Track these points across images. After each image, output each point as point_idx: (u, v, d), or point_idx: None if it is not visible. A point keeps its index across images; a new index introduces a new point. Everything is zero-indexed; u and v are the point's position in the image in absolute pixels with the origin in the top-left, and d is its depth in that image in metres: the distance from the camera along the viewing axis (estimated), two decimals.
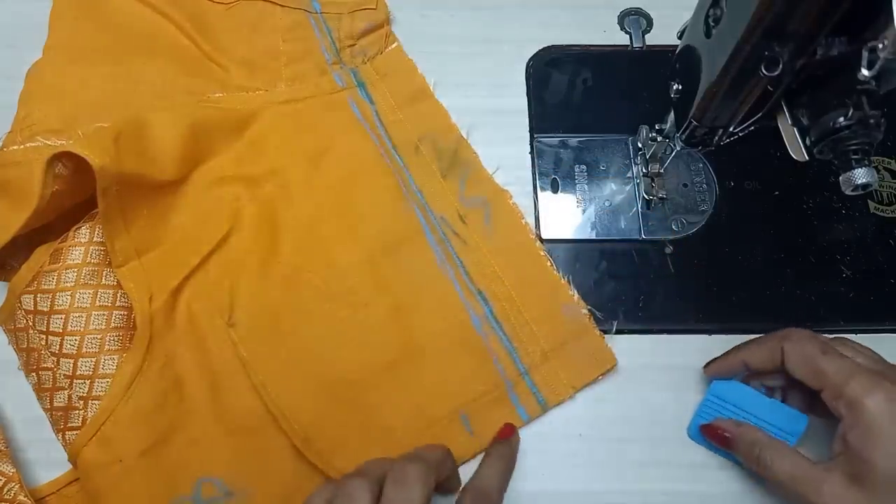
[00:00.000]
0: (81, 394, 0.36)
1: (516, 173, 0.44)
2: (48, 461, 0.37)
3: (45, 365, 0.37)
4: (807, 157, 0.33)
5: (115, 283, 0.38)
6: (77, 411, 0.36)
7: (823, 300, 0.41)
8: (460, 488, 0.34)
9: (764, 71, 0.29)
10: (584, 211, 0.44)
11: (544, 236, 0.43)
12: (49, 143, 0.42)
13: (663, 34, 0.48)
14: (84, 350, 0.37)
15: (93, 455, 0.35)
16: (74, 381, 0.37)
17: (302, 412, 0.37)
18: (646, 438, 0.39)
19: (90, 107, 0.44)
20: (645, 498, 0.38)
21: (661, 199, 0.43)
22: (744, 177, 0.44)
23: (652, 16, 0.49)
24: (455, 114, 0.46)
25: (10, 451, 0.36)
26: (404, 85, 0.46)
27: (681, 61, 0.36)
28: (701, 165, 0.44)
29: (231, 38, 0.47)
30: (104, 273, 0.38)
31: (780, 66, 0.29)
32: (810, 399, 0.34)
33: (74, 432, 0.36)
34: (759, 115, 0.34)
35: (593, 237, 0.43)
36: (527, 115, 0.47)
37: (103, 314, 0.38)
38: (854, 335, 0.41)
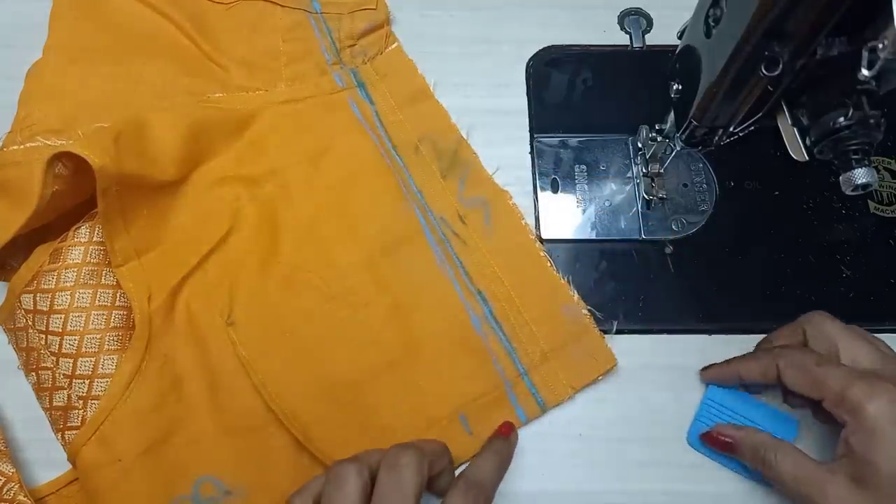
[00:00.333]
0: (81, 393, 0.36)
1: (516, 173, 0.44)
2: (48, 461, 0.37)
3: (45, 364, 0.37)
4: (807, 157, 0.33)
5: (114, 283, 0.38)
6: (76, 411, 0.36)
7: (823, 300, 0.41)
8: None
9: (764, 71, 0.29)
10: (584, 211, 0.44)
11: (544, 236, 0.43)
12: (49, 143, 0.42)
13: (663, 34, 0.48)
14: (83, 350, 0.37)
15: (92, 455, 0.35)
16: (74, 380, 0.37)
17: (301, 412, 0.37)
18: (646, 438, 0.39)
19: (90, 107, 0.44)
20: (645, 498, 0.38)
21: (661, 199, 0.43)
22: (744, 177, 0.44)
23: (652, 16, 0.49)
24: (455, 114, 0.46)
25: (9, 451, 0.36)
26: (404, 85, 0.46)
27: (681, 61, 0.36)
28: (701, 165, 0.44)
29: (231, 38, 0.47)
30: (104, 273, 0.38)
31: (780, 66, 0.29)
32: (813, 403, 0.34)
33: (74, 432, 0.36)
34: (759, 115, 0.34)
35: (593, 237, 0.43)
36: (527, 115, 0.46)
37: (103, 314, 0.38)
38: None
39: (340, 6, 0.47)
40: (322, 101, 0.45)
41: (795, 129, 0.33)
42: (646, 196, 0.43)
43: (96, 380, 0.37)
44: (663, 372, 0.40)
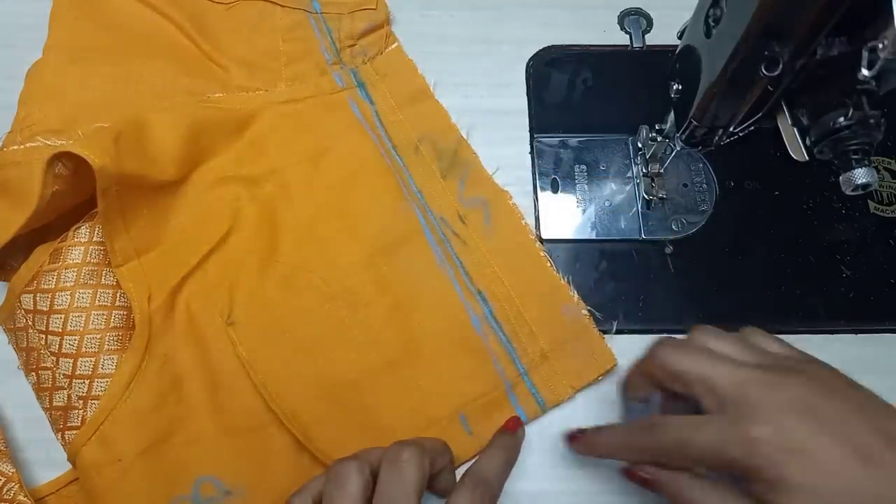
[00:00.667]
0: (81, 393, 0.37)
1: (516, 173, 0.44)
2: (48, 461, 0.37)
3: (45, 364, 0.37)
4: (807, 157, 0.33)
5: (114, 283, 0.38)
6: (76, 411, 0.36)
7: (823, 300, 0.41)
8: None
9: (764, 71, 0.29)
10: (584, 211, 0.44)
11: (544, 236, 0.43)
12: (49, 143, 0.42)
13: (663, 34, 0.48)
14: (83, 350, 0.37)
15: (92, 455, 0.35)
16: (74, 380, 0.37)
17: (301, 412, 0.37)
18: None
19: (90, 107, 0.44)
20: (645, 498, 0.37)
21: (661, 199, 0.43)
22: (744, 177, 0.44)
23: (652, 16, 0.49)
24: (455, 114, 0.46)
25: (10, 451, 0.36)
26: (404, 85, 0.46)
27: (681, 61, 0.36)
28: (701, 165, 0.44)
29: (231, 38, 0.47)
30: (104, 273, 0.38)
31: (780, 66, 0.29)
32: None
33: (73, 432, 0.36)
34: (759, 115, 0.34)
35: (593, 237, 0.43)
36: (527, 115, 0.46)
37: (103, 314, 0.38)
38: (854, 335, 0.41)
39: (340, 6, 0.47)
40: (322, 101, 0.45)
41: (795, 129, 0.33)
42: (646, 196, 0.43)
43: (96, 380, 0.37)
44: None
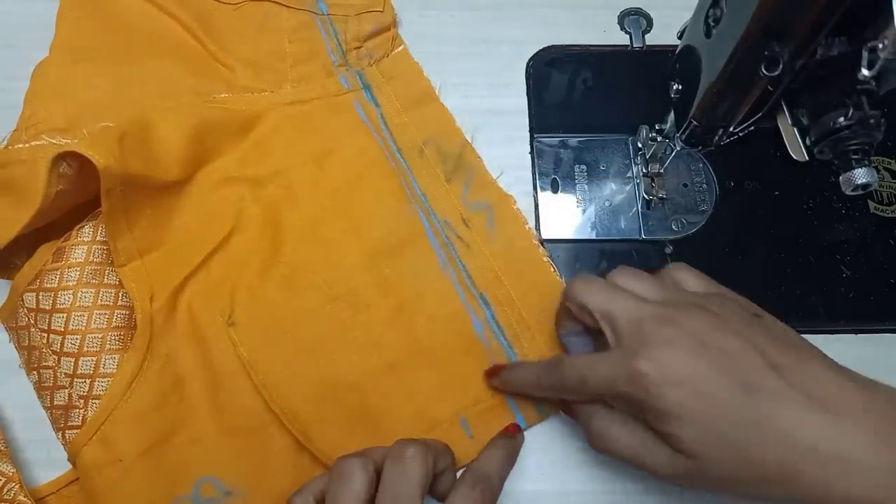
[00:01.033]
0: (82, 393, 0.37)
1: (516, 173, 0.44)
2: (48, 461, 0.37)
3: (46, 363, 0.37)
4: (807, 157, 0.33)
5: (117, 283, 0.38)
6: (77, 410, 0.36)
7: (823, 300, 0.41)
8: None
9: (764, 71, 0.30)
10: (584, 211, 0.44)
11: (544, 236, 0.43)
12: (54, 141, 0.41)
13: (663, 34, 0.48)
14: (85, 349, 0.37)
15: (92, 455, 0.35)
16: (75, 379, 0.37)
17: (302, 412, 0.37)
18: None
19: (95, 106, 0.44)
20: (644, 498, 0.38)
21: (661, 199, 0.43)
22: (744, 177, 0.44)
23: (652, 16, 0.49)
24: (455, 114, 0.46)
25: (10, 451, 0.36)
26: (410, 88, 0.46)
27: (681, 61, 0.37)
28: (701, 165, 0.44)
29: (237, 39, 0.47)
30: (106, 272, 0.38)
31: (780, 66, 0.29)
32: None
33: (74, 431, 0.36)
34: (759, 115, 0.34)
35: (593, 237, 0.43)
36: (527, 115, 0.46)
37: (105, 313, 0.38)
38: (854, 335, 0.41)
39: (347, 8, 0.47)
40: (327, 103, 0.45)
41: (795, 129, 0.33)
42: (646, 196, 0.43)
43: (97, 379, 0.37)
44: None
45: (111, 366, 0.37)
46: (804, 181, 0.44)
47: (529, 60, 0.48)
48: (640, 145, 0.43)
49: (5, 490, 0.35)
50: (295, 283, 0.40)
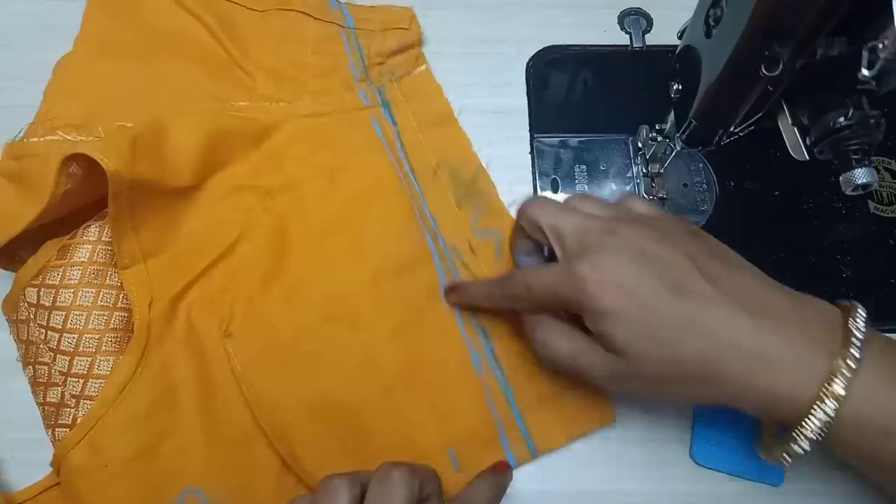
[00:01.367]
0: (74, 392, 0.36)
1: (516, 173, 0.44)
2: (35, 461, 0.37)
3: (42, 359, 0.37)
4: (807, 157, 0.33)
5: (118, 284, 0.38)
6: (68, 409, 0.36)
7: (823, 300, 0.41)
8: None
9: (764, 71, 0.29)
10: None
11: None
12: (69, 138, 0.41)
13: (663, 34, 0.48)
14: (81, 349, 0.37)
15: (80, 459, 0.35)
16: (69, 378, 0.37)
17: (291, 430, 0.37)
18: (646, 438, 0.39)
19: (113, 104, 0.43)
20: (645, 498, 0.38)
21: (661, 199, 0.43)
22: (744, 177, 0.44)
23: (652, 16, 0.49)
24: (455, 114, 0.46)
25: None
26: (428, 108, 0.46)
27: (681, 61, 0.36)
28: (701, 165, 0.44)
29: (261, 46, 0.46)
30: (109, 273, 0.38)
31: (780, 66, 0.29)
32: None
33: (64, 429, 0.36)
34: (759, 115, 0.34)
35: None
36: (527, 115, 0.47)
37: (104, 314, 0.38)
38: None
39: (374, 23, 0.47)
40: (345, 118, 0.45)
41: (795, 129, 0.33)
42: (646, 196, 0.43)
43: (91, 380, 0.36)
44: None
45: (105, 367, 0.37)
46: (804, 181, 0.44)
47: (529, 60, 0.48)
48: (640, 145, 0.43)
49: None
50: (295, 297, 0.40)
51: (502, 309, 0.37)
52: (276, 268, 0.40)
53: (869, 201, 0.44)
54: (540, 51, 0.48)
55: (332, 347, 0.39)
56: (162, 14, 0.47)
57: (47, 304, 0.37)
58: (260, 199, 0.42)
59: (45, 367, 0.37)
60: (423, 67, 0.47)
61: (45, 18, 0.48)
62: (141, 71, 0.45)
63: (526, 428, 0.38)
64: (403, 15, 0.47)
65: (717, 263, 0.31)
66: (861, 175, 0.31)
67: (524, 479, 0.38)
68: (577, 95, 0.47)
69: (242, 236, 0.41)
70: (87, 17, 0.47)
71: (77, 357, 0.37)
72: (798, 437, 0.29)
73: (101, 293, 0.38)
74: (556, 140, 0.45)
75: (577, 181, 0.44)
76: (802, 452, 0.29)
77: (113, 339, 0.37)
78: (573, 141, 0.45)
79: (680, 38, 0.37)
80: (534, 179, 0.44)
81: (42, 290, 0.38)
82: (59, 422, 0.37)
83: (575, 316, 0.32)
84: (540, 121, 0.46)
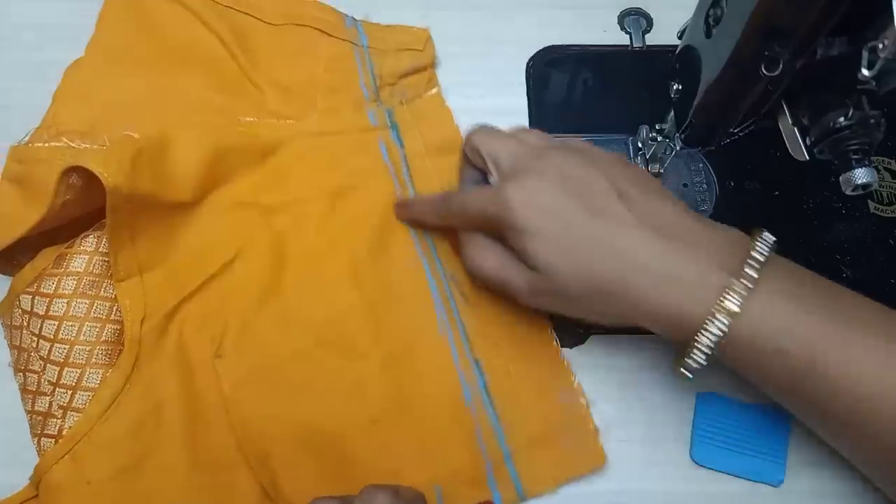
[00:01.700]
0: (62, 403, 0.36)
1: None
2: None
3: (33, 367, 0.37)
4: (807, 157, 0.33)
5: (113, 296, 0.38)
6: (55, 419, 0.36)
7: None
8: None
9: (764, 71, 0.29)
10: None
11: None
12: (73, 145, 0.41)
13: (663, 34, 0.48)
14: (71, 360, 0.36)
15: (62, 474, 0.34)
16: (57, 388, 0.36)
17: (275, 455, 0.36)
18: (646, 438, 0.39)
19: (120, 112, 0.43)
20: (645, 498, 0.38)
21: None
22: (744, 177, 0.44)
23: (652, 16, 0.49)
24: (455, 114, 0.46)
25: None
26: (437, 132, 0.45)
27: (681, 61, 0.36)
28: (701, 165, 0.44)
29: (272, 60, 0.46)
30: (104, 284, 0.38)
31: (780, 66, 0.29)
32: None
33: (50, 440, 0.36)
34: (760, 115, 0.34)
35: None
36: (527, 115, 0.46)
37: (96, 326, 0.37)
38: None
39: (388, 42, 0.46)
40: (351, 139, 0.44)
41: (795, 129, 0.33)
42: None
43: (79, 391, 0.36)
44: (663, 372, 0.40)
45: (94, 380, 0.36)
46: (804, 181, 0.44)
47: (529, 60, 0.48)
48: (640, 145, 0.43)
49: None
50: (288, 321, 0.39)
51: (444, 226, 0.40)
52: (271, 289, 0.40)
53: (869, 201, 0.44)
54: (540, 51, 0.48)
55: (322, 375, 0.38)
56: (176, 24, 0.46)
57: (41, 313, 0.37)
58: (260, 215, 0.41)
59: (35, 376, 0.37)
60: (434, 91, 0.46)
61: (46, 18, 0.48)
62: (150, 81, 0.45)
63: (515, 469, 0.37)
64: (419, 36, 0.47)
65: (636, 190, 0.33)
66: (861, 175, 0.31)
67: None
68: (577, 95, 0.47)
69: (239, 254, 0.40)
70: (100, 23, 0.46)
71: (67, 368, 0.36)
72: (693, 352, 0.31)
73: (95, 304, 0.37)
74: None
75: None
76: (697, 366, 0.31)
77: (104, 352, 0.37)
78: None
79: (680, 38, 0.37)
80: None
81: (36, 297, 0.37)
82: (45, 432, 0.36)
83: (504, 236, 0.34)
84: (540, 121, 0.46)
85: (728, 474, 0.38)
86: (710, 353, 0.30)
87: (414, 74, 0.46)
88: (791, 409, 0.33)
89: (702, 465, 0.38)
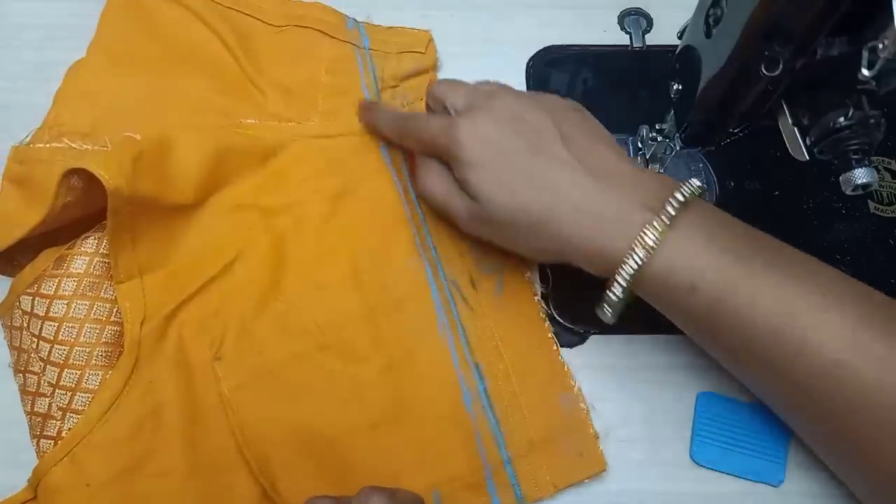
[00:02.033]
0: (61, 404, 0.36)
1: None
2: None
3: (33, 369, 0.37)
4: (807, 157, 0.33)
5: (113, 298, 0.38)
6: (54, 421, 0.36)
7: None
8: None
9: (764, 71, 0.29)
10: None
11: None
12: (74, 146, 0.41)
13: (663, 34, 0.48)
14: (71, 361, 0.36)
15: (61, 476, 0.35)
16: (56, 390, 0.36)
17: (274, 459, 0.36)
18: (646, 438, 0.39)
19: (122, 113, 0.43)
20: (645, 498, 0.38)
21: None
22: (744, 177, 0.44)
23: (652, 16, 0.49)
24: None
25: None
26: None
27: (681, 61, 0.36)
28: (701, 165, 0.44)
29: (274, 62, 0.45)
30: (104, 286, 0.38)
31: (780, 66, 0.29)
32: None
33: (49, 441, 0.36)
34: (760, 115, 0.34)
35: None
36: None
37: (96, 328, 0.37)
38: None
39: (390, 45, 0.46)
40: (353, 141, 0.44)
41: (795, 129, 0.33)
42: None
43: (79, 393, 0.36)
44: (663, 372, 0.40)
45: (94, 381, 0.36)
46: (804, 181, 0.44)
47: (529, 60, 0.48)
48: (640, 145, 0.43)
49: None
50: (288, 324, 0.39)
51: (398, 143, 0.43)
52: (271, 291, 0.40)
53: (869, 201, 0.44)
54: (540, 51, 0.48)
55: (322, 378, 0.38)
56: (179, 25, 0.46)
57: (41, 314, 0.37)
58: (261, 217, 0.41)
59: (35, 377, 0.37)
60: None
61: (48, 19, 0.48)
62: (152, 82, 0.45)
63: (515, 474, 0.37)
64: (421, 38, 0.47)
65: (579, 133, 0.35)
66: (861, 175, 0.31)
67: None
68: (577, 95, 0.47)
69: (240, 256, 0.40)
70: (102, 23, 0.46)
71: (66, 369, 0.36)
72: (613, 286, 0.32)
73: (95, 306, 0.37)
74: None
75: None
76: (615, 299, 0.33)
77: (103, 353, 0.37)
78: None
79: (680, 38, 0.37)
80: None
81: (37, 299, 0.37)
82: (45, 433, 0.36)
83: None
84: None
85: (728, 474, 0.38)
86: (626, 286, 0.32)
87: (416, 77, 0.46)
88: (708, 350, 0.35)
89: (702, 465, 0.38)
